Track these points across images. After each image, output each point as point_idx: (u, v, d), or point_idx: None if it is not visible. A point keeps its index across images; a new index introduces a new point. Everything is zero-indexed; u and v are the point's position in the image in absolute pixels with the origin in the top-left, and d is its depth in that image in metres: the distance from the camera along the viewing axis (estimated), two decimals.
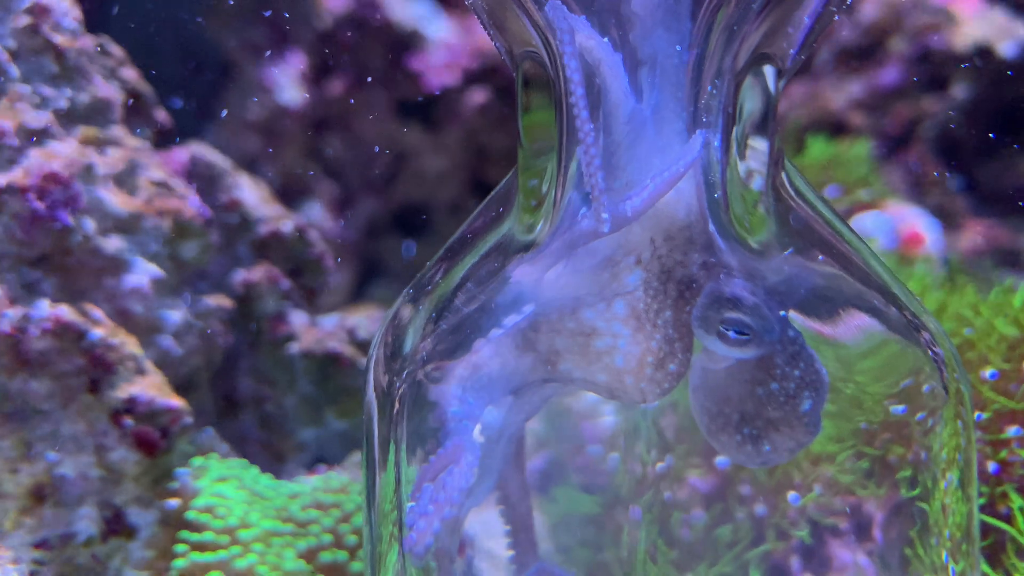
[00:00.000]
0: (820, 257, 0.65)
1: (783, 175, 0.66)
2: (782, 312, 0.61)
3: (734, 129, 0.63)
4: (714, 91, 0.62)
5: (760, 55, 0.63)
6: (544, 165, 0.66)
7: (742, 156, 0.64)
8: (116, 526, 0.90)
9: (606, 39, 0.60)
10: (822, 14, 0.63)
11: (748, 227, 0.64)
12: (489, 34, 0.68)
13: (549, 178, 0.65)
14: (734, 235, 0.63)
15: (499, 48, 0.68)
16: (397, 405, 0.65)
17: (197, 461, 0.91)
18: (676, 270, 0.61)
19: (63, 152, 0.92)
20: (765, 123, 0.65)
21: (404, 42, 1.52)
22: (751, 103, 0.64)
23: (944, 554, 0.66)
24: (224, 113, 1.48)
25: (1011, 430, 0.84)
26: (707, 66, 0.62)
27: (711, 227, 0.62)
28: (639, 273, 0.61)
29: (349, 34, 1.51)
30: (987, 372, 0.86)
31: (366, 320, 1.12)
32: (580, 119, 0.58)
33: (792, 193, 0.67)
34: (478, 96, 1.54)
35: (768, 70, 0.64)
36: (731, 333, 0.60)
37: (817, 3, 0.63)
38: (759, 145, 0.65)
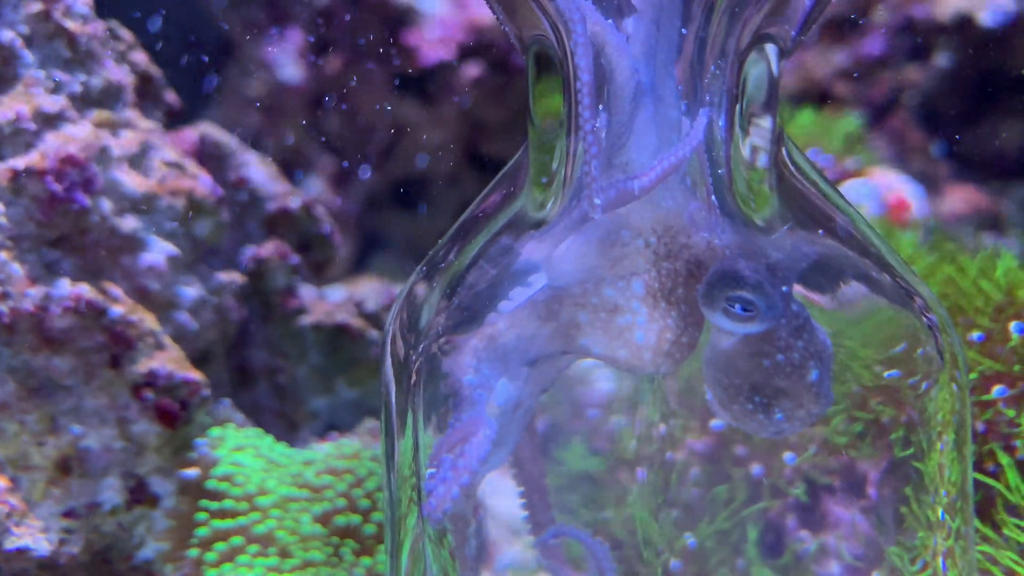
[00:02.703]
0: (820, 231, 0.65)
1: (783, 150, 0.67)
2: (785, 288, 0.61)
3: (737, 108, 0.64)
4: (717, 71, 0.63)
5: (763, 35, 0.64)
6: (554, 142, 0.66)
7: (745, 134, 0.64)
8: (140, 495, 0.91)
9: (610, 20, 0.60)
10: None
11: (752, 204, 0.64)
12: (499, 19, 0.68)
13: (559, 155, 0.66)
14: (738, 212, 0.63)
15: (509, 32, 0.68)
16: (414, 377, 0.66)
17: (215, 431, 0.93)
18: (683, 251, 0.61)
19: (78, 135, 0.92)
20: (768, 101, 0.65)
21: (399, 17, 1.51)
22: (754, 82, 0.64)
23: (940, 511, 0.67)
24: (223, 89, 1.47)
25: (996, 390, 0.85)
26: (710, 47, 0.62)
27: (715, 205, 0.62)
28: (649, 254, 0.61)
29: (346, 11, 1.50)
30: (974, 335, 0.87)
31: (373, 293, 1.13)
32: (583, 118, 0.59)
33: (793, 169, 0.67)
34: (473, 70, 1.53)
35: (771, 49, 0.65)
36: (736, 309, 0.60)
37: None
38: (762, 123, 0.65)
